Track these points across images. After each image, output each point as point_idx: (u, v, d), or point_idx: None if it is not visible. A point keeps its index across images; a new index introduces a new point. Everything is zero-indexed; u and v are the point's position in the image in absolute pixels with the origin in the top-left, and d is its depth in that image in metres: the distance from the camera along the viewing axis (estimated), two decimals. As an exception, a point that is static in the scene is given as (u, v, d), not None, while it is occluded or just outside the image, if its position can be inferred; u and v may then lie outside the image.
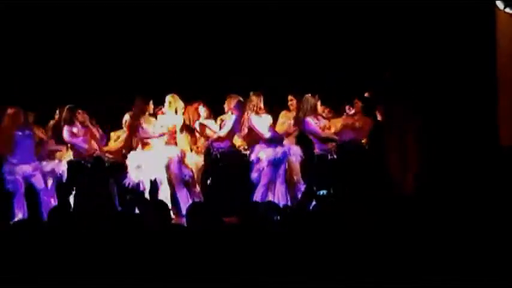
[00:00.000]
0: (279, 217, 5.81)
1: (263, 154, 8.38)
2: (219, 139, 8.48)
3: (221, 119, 8.69)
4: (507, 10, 8.52)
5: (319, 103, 8.33)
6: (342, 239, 4.72)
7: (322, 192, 7.99)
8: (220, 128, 8.56)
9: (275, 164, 8.40)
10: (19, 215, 8.04)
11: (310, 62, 9.27)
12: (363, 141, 8.70)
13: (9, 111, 8.10)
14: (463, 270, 4.40)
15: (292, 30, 9.46)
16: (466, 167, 8.17)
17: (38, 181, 8.21)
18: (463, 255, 4.59)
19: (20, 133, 8.12)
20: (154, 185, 8.43)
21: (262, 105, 8.42)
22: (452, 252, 4.62)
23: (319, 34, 9.33)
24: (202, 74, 9.60)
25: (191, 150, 8.93)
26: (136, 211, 6.74)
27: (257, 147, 8.42)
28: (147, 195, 8.27)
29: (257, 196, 8.27)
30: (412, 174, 8.11)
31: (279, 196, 8.33)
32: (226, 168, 8.47)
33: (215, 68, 9.61)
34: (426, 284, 4.29)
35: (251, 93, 8.45)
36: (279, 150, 8.43)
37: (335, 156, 8.29)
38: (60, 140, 8.43)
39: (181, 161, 8.55)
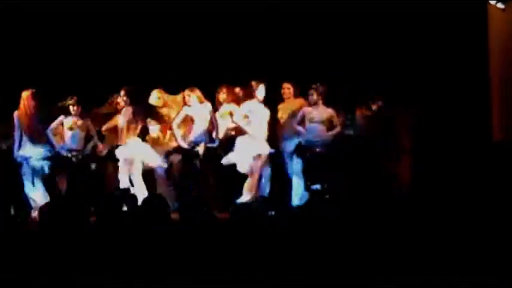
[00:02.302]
0: (273, 213, 5.83)
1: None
2: None
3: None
4: (499, 5, 8.55)
5: None
6: (336, 236, 4.71)
7: (316, 187, 7.97)
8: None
9: None
10: None
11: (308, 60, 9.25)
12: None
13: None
14: (457, 267, 4.41)
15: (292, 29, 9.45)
16: (459, 162, 8.20)
17: None
18: (458, 251, 4.60)
19: None
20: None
21: None
22: (446, 248, 4.63)
23: (316, 35, 9.32)
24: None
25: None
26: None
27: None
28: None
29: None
30: (406, 171, 8.12)
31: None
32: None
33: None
34: (424, 282, 4.29)
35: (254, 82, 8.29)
36: None
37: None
38: None
39: None
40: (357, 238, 4.67)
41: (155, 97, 8.49)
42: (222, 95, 8.54)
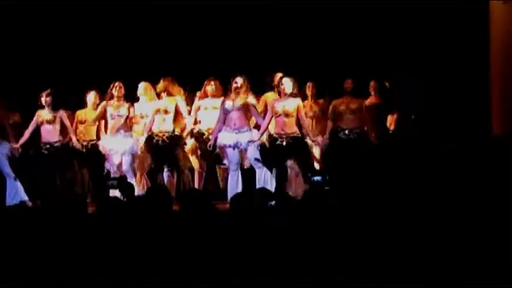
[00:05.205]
0: (273, 203, 5.88)
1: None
2: None
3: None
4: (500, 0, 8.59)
5: None
6: (336, 229, 4.77)
7: (317, 178, 7.99)
8: None
9: None
10: None
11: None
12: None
13: None
14: (456, 266, 4.46)
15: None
16: (458, 155, 8.25)
17: None
18: (456, 248, 4.66)
19: None
20: None
21: None
22: (445, 245, 4.68)
23: (315, 33, 9.40)
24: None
25: None
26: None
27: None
28: None
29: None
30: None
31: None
32: None
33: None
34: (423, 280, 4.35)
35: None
36: None
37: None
38: None
39: None
40: (357, 231, 4.72)
41: (142, 89, 8.49)
42: (211, 87, 8.56)
